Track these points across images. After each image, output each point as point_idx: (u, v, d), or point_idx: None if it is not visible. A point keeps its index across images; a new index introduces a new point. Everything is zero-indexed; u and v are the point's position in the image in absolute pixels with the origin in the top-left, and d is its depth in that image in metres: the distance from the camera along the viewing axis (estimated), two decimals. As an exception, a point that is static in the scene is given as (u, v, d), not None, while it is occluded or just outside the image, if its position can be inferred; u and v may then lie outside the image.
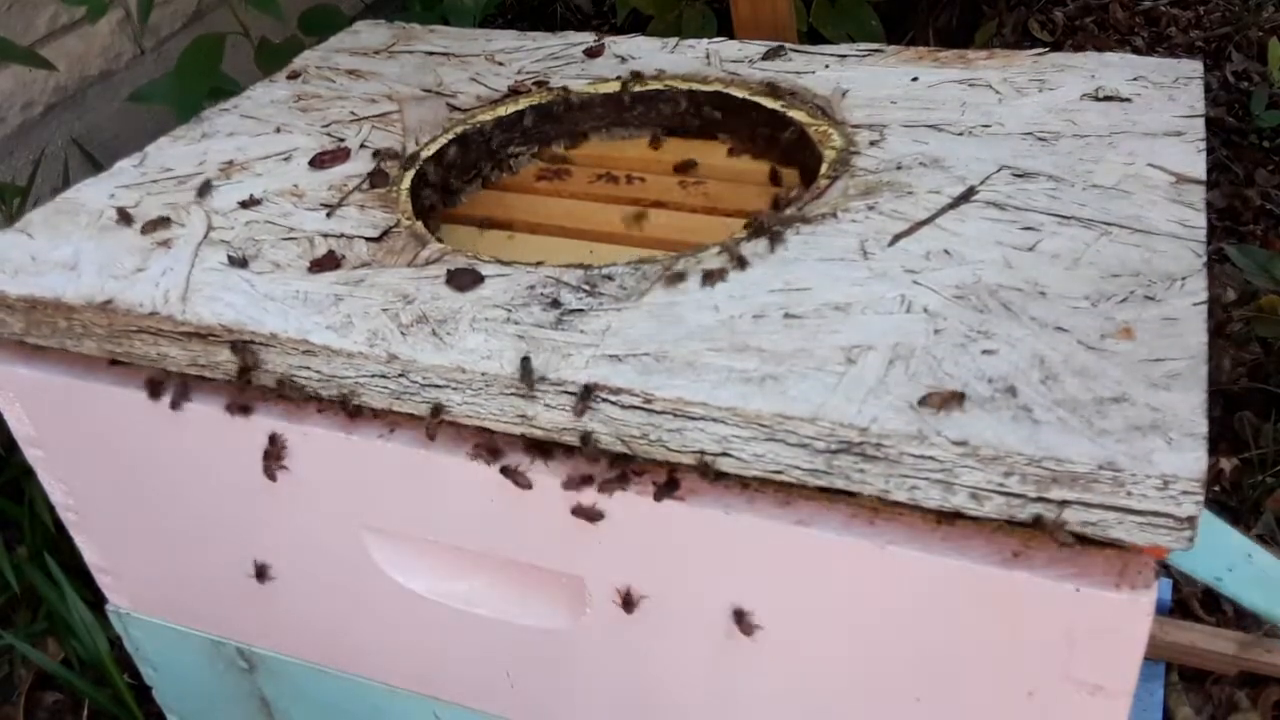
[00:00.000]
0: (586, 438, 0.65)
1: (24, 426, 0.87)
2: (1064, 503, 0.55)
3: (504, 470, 0.69)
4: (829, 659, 0.69)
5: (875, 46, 1.01)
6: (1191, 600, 1.26)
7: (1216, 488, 1.38)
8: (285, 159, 0.93)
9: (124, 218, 0.85)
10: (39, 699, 1.30)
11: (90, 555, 0.96)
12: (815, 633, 0.68)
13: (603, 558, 0.70)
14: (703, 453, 0.63)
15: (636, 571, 0.70)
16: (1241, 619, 1.25)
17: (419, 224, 0.82)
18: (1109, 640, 0.59)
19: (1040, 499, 0.56)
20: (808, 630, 0.68)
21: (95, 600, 1.07)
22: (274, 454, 0.75)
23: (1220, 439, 1.44)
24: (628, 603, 0.71)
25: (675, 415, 0.62)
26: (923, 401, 0.59)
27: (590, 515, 0.68)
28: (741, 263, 0.72)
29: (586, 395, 0.63)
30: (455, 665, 0.84)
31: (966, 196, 0.77)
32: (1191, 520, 0.54)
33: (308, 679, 0.94)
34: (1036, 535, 0.59)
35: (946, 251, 0.72)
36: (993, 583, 0.60)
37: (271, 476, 0.76)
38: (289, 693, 0.97)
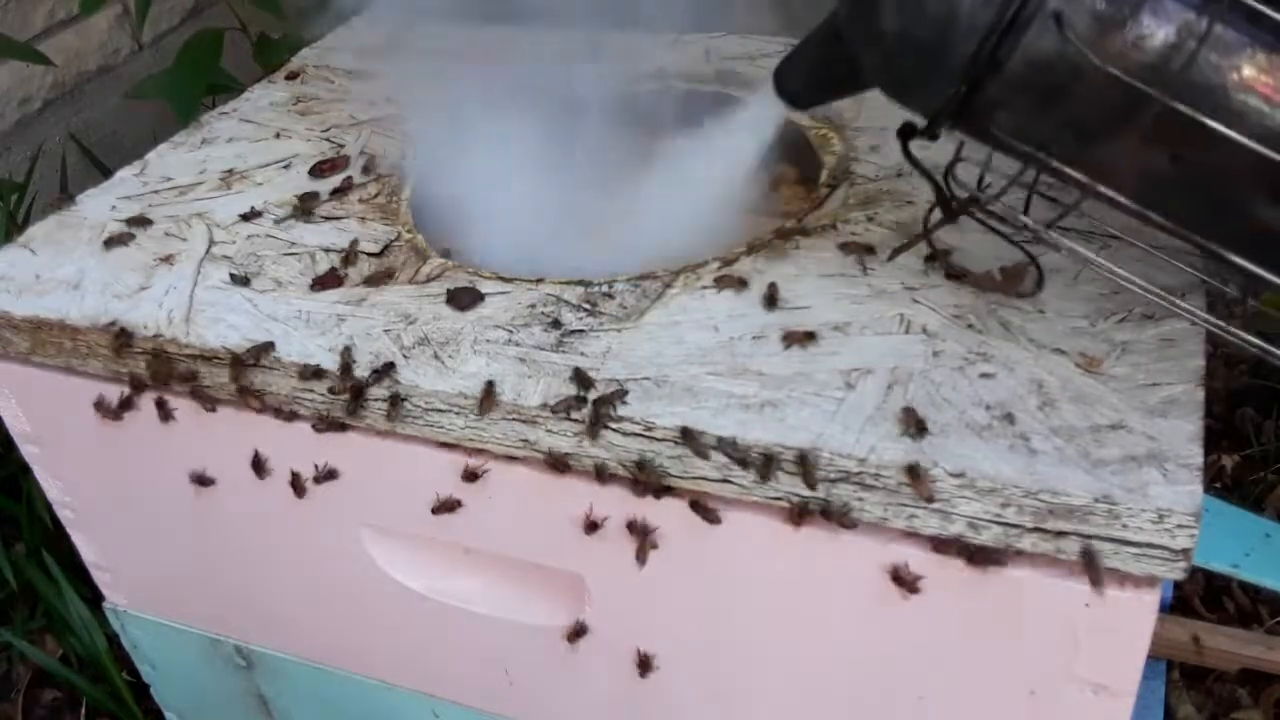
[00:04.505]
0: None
1: (20, 423, 0.86)
2: (1060, 533, 0.56)
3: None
4: (831, 657, 0.69)
5: None
6: (1193, 598, 1.26)
7: (1218, 484, 1.38)
8: (285, 167, 0.93)
9: (127, 234, 0.84)
10: (37, 696, 1.31)
11: (87, 553, 0.96)
12: (817, 631, 0.68)
13: (602, 556, 0.70)
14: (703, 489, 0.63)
15: (636, 570, 0.70)
16: (1243, 616, 1.25)
17: (419, 237, 0.82)
18: (1113, 639, 0.59)
19: (1037, 529, 0.56)
20: (809, 628, 0.68)
21: (93, 597, 1.07)
22: (298, 484, 0.76)
23: (1222, 435, 1.44)
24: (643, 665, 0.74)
25: (676, 443, 0.62)
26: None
27: None
28: (741, 284, 0.72)
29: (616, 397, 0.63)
30: (455, 664, 0.85)
31: (966, 207, 0.77)
32: (1186, 553, 0.54)
33: (306, 677, 0.94)
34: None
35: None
36: (995, 581, 0.60)
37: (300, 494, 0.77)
38: (287, 691, 0.98)
